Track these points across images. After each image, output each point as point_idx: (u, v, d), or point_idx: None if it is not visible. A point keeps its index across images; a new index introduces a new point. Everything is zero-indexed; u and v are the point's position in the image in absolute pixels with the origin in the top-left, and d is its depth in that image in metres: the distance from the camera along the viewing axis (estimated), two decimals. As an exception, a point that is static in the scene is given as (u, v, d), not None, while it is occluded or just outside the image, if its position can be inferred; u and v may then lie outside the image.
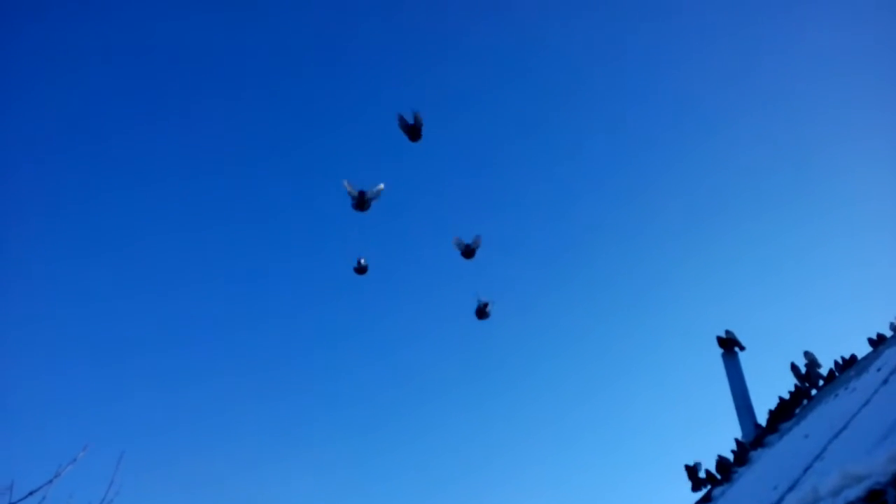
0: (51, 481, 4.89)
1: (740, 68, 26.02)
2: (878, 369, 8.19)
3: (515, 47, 26.29)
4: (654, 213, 27.85)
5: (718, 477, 9.61)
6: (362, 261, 12.86)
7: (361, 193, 12.23)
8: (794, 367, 10.67)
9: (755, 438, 9.94)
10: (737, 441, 9.82)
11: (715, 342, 11.22)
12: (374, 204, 12.37)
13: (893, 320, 10.34)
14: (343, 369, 27.91)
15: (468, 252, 13.01)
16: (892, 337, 10.07)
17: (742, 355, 11.26)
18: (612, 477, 26.79)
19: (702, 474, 9.87)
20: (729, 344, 11.18)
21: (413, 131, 12.01)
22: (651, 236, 28.40)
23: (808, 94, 24.98)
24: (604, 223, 28.09)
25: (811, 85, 24.44)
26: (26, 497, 4.65)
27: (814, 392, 10.36)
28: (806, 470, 5.97)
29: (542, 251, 28.47)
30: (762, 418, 10.38)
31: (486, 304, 13.13)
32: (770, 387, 11.69)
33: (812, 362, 10.74)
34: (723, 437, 11.32)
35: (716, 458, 9.77)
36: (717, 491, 9.22)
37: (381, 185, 12.48)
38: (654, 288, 28.23)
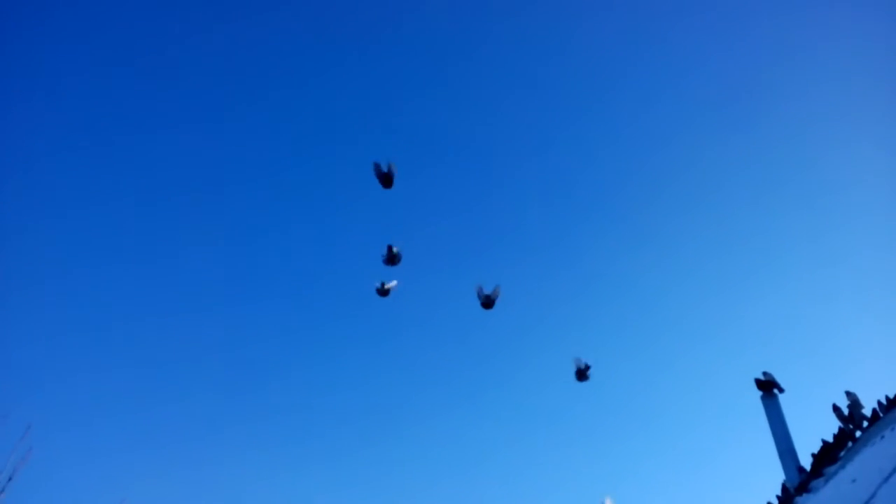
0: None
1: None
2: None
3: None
4: (690, 255, 27.53)
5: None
6: (387, 284, 13.05)
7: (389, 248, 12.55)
8: (836, 409, 10.43)
9: (800, 484, 9.69)
10: (782, 486, 9.59)
11: (753, 385, 11.05)
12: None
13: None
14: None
15: (488, 303, 13.20)
16: (937, 375, 9.83)
17: (782, 397, 11.06)
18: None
19: None
20: (768, 386, 11.00)
21: (386, 179, 12.48)
22: (686, 278, 28.02)
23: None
24: (642, 258, 27.71)
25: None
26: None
27: (858, 434, 10.10)
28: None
29: (571, 286, 28.10)
30: (806, 462, 10.13)
31: (587, 367, 13.41)
32: (812, 429, 11.44)
33: (855, 403, 10.50)
34: (766, 482, 11.05)
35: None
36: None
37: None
38: (690, 327, 27.72)
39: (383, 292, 13.05)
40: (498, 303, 13.50)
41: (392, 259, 12.97)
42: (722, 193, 26.71)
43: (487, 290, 13.46)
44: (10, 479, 5.33)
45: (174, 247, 25.72)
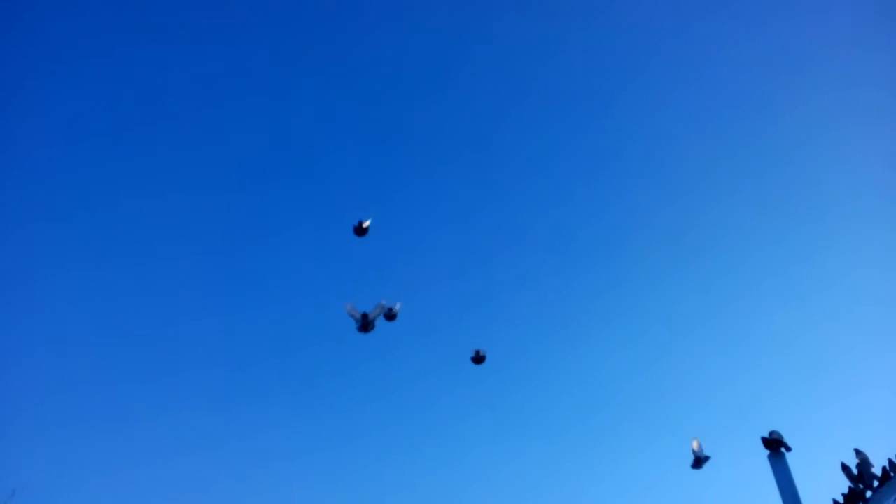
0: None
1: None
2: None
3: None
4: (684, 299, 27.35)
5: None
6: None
7: (364, 315, 12.63)
8: (845, 468, 10.28)
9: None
10: (793, 549, 9.37)
11: (760, 443, 10.89)
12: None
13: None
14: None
15: (479, 359, 13.29)
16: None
17: (789, 456, 10.90)
18: None
19: None
20: (775, 445, 10.84)
21: (360, 231, 12.74)
22: (683, 323, 27.73)
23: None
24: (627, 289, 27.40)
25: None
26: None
27: (868, 494, 9.92)
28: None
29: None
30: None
31: (705, 458, 12.91)
32: (821, 489, 11.20)
33: (864, 461, 10.35)
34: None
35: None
36: None
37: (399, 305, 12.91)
38: (692, 384, 27.30)
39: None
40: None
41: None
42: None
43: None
44: None
45: (177, 250, 25.48)
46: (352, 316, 12.46)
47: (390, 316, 12.73)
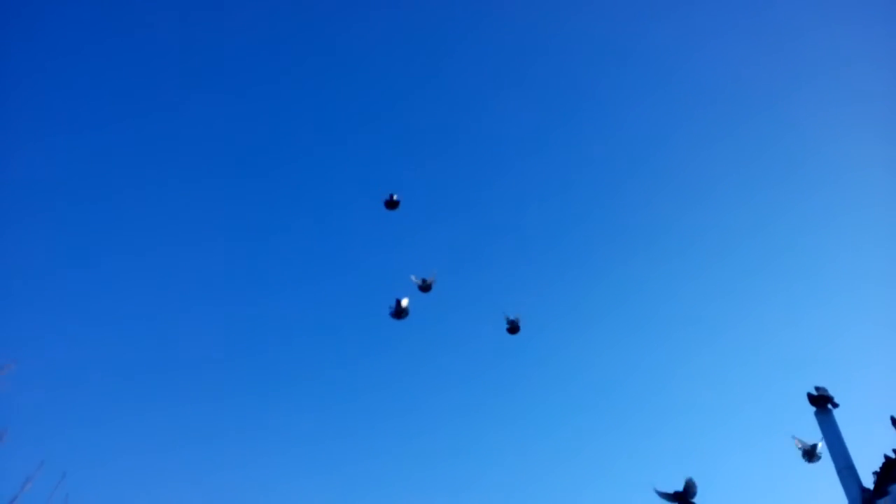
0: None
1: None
2: None
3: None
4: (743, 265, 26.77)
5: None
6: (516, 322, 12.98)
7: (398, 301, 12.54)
8: (895, 421, 9.95)
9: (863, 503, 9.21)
10: (844, 508, 9.12)
11: (806, 400, 10.60)
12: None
13: None
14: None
15: (514, 328, 13.15)
16: None
17: (837, 412, 10.58)
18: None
19: None
20: (821, 401, 10.53)
21: (392, 204, 12.65)
22: (735, 283, 27.20)
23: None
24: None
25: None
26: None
27: (922, 447, 9.60)
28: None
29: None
30: (867, 480, 9.63)
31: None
32: (871, 445, 10.88)
33: (915, 414, 10.03)
34: (825, 502, 10.52)
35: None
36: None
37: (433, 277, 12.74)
38: (735, 342, 26.90)
39: (425, 288, 12.85)
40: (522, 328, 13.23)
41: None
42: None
43: (512, 316, 13.20)
44: None
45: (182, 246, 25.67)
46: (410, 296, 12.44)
47: (425, 287, 12.75)
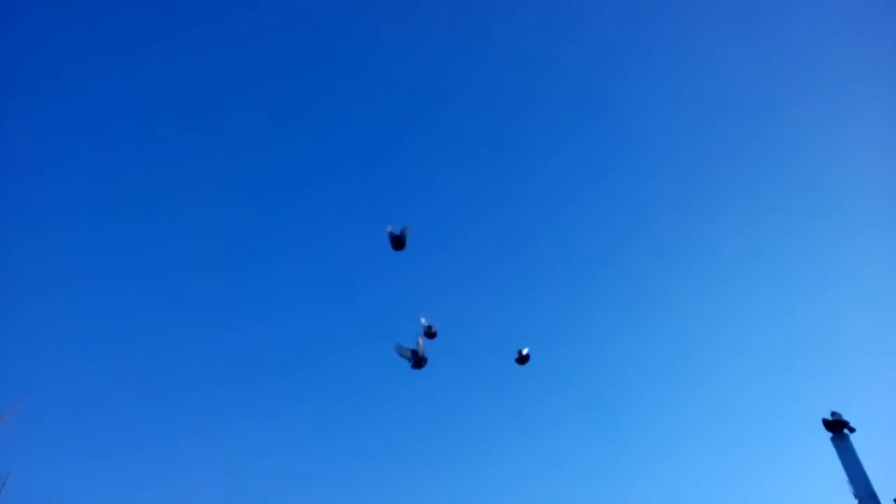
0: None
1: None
2: None
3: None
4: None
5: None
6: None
7: (415, 352, 12.41)
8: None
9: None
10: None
11: (821, 426, 10.41)
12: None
13: None
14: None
15: (522, 359, 13.05)
16: None
17: (854, 437, 10.40)
18: None
19: None
20: (837, 426, 10.35)
21: (398, 242, 12.40)
22: (744, 312, 26.85)
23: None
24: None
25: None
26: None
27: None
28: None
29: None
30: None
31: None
32: (890, 469, 10.69)
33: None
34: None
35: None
36: None
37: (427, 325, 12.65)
38: (750, 366, 26.42)
39: (430, 334, 12.64)
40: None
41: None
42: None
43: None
44: None
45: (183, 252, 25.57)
46: (402, 355, 12.28)
47: (430, 334, 12.62)
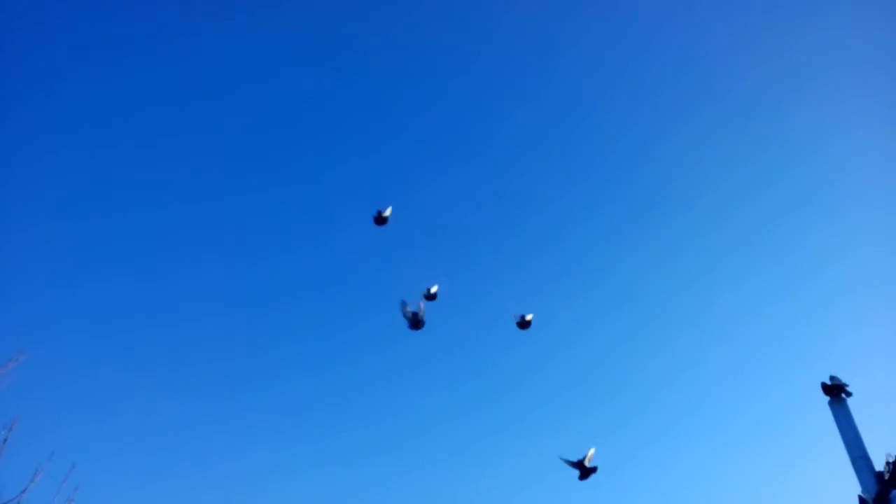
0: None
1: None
2: None
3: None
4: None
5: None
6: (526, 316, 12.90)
7: (415, 314, 12.46)
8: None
9: (878, 494, 9.11)
10: (859, 498, 9.02)
11: (819, 390, 10.49)
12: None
13: None
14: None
15: (524, 324, 13.08)
16: None
17: (851, 402, 10.48)
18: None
19: None
20: (835, 390, 10.42)
21: (381, 220, 12.45)
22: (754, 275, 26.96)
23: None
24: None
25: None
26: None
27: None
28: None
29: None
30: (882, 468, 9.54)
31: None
32: (886, 433, 10.79)
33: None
34: (839, 494, 10.44)
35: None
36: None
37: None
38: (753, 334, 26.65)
39: (430, 297, 12.71)
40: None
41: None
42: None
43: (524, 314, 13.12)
44: None
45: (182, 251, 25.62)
46: (404, 315, 12.31)
47: (430, 297, 12.68)
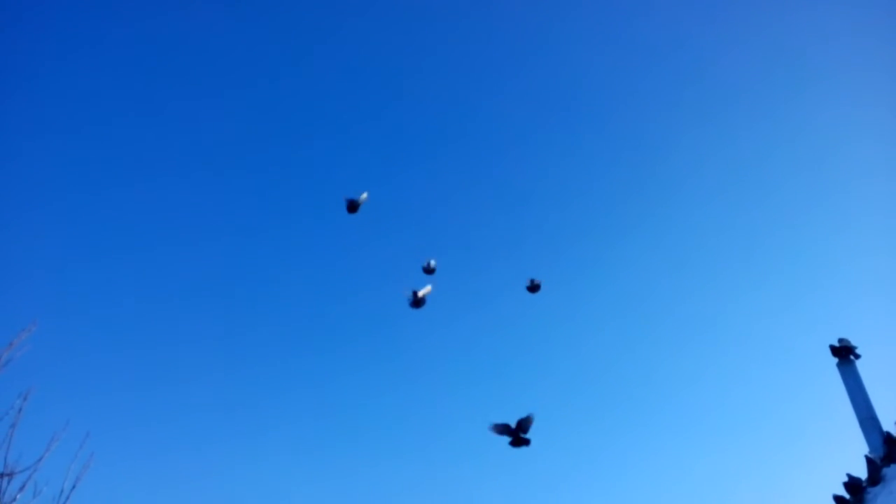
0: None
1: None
2: None
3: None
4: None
5: (850, 498, 8.87)
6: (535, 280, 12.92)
7: (415, 293, 12.45)
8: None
9: (885, 455, 9.17)
10: (866, 458, 9.07)
11: (828, 352, 10.52)
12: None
13: None
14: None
15: (534, 287, 13.08)
16: None
17: (859, 364, 10.52)
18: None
19: None
20: (844, 352, 10.45)
21: (352, 206, 12.40)
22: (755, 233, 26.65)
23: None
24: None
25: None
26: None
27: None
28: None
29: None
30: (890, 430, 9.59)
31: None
32: (892, 394, 10.84)
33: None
34: (847, 454, 10.51)
35: (845, 478, 9.04)
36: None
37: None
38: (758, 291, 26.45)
39: (416, 302, 12.66)
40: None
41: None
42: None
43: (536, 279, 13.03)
44: (73, 486, 5.37)
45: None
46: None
47: (429, 270, 12.74)
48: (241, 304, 25.57)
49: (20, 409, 5.85)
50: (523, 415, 10.57)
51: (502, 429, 10.59)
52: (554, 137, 25.87)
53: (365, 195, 12.45)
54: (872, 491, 8.69)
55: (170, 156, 24.89)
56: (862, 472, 9.16)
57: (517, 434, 10.53)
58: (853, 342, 10.49)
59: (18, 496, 5.17)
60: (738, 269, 26.39)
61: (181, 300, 24.60)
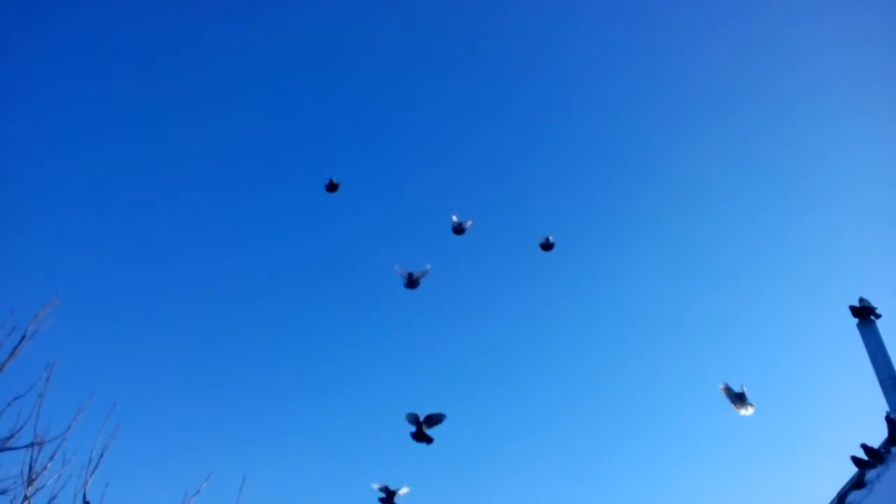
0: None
1: None
2: None
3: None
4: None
5: (868, 460, 8.89)
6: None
7: (410, 274, 12.49)
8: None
9: (907, 414, 9.16)
10: (887, 418, 9.06)
11: (848, 312, 10.43)
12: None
13: None
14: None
15: (547, 245, 13.04)
16: None
17: (880, 323, 10.43)
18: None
19: None
20: (864, 312, 10.37)
21: (412, 282, 12.43)
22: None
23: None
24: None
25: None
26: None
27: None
28: None
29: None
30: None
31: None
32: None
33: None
34: (868, 415, 10.47)
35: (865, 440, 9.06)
36: (870, 474, 8.53)
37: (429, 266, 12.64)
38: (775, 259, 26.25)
39: (411, 283, 12.65)
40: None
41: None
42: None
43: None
44: (101, 455, 5.53)
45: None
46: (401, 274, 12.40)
47: (459, 230, 12.78)
48: (276, 267, 25.76)
49: (47, 379, 5.97)
50: (436, 411, 10.32)
51: (413, 419, 10.38)
52: (554, 137, 25.76)
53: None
54: (894, 450, 8.69)
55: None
56: (882, 433, 9.16)
57: (420, 428, 10.26)
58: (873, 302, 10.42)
59: (49, 465, 5.30)
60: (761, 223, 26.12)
61: (207, 267, 24.89)
